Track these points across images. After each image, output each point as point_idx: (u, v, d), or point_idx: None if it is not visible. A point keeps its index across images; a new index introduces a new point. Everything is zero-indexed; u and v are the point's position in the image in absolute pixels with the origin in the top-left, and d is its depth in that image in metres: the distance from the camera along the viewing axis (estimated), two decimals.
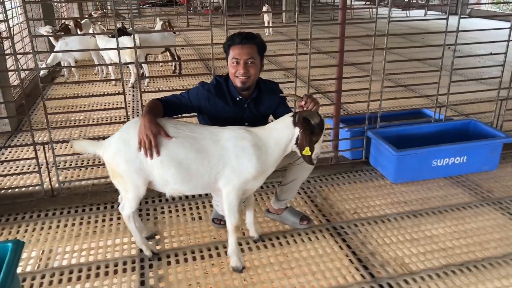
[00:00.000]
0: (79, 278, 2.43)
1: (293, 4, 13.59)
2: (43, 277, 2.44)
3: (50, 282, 2.40)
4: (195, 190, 2.42)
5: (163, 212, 3.10)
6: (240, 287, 2.36)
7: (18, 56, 6.09)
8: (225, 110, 2.52)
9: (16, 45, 6.03)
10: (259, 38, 2.47)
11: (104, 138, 3.65)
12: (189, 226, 2.93)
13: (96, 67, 7.37)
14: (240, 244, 2.70)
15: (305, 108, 2.38)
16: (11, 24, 6.39)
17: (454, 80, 3.92)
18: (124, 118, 3.34)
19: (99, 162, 3.69)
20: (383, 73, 3.61)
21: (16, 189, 3.38)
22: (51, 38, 6.94)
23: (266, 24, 11.89)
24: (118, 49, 3.10)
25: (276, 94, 2.64)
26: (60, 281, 2.41)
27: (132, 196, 2.37)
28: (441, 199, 3.26)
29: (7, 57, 4.84)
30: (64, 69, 7.03)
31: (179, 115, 2.62)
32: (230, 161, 2.28)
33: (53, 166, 3.29)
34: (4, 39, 3.27)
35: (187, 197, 3.27)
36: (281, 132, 2.34)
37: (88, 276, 2.45)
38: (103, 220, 3.01)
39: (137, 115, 4.96)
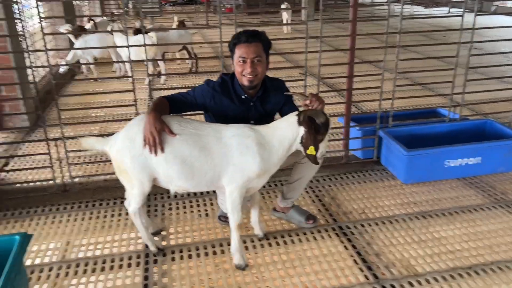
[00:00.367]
0: (85, 271, 2.48)
1: (312, 2, 13.49)
2: (50, 269, 2.50)
3: (57, 275, 2.46)
4: (199, 187, 2.44)
5: (170, 208, 3.13)
6: (242, 284, 2.36)
7: (39, 54, 6.27)
8: (231, 108, 2.53)
9: (37, 43, 6.22)
10: (264, 36, 2.46)
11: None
12: (195, 222, 2.96)
13: (115, 65, 7.49)
14: (244, 242, 2.70)
15: (310, 107, 2.36)
16: (32, 22, 6.53)
17: (470, 79, 3.83)
18: (134, 115, 3.38)
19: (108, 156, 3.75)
20: (395, 71, 3.55)
21: (31, 183, 3.47)
22: (71, 36, 7.08)
23: (284, 21, 11.86)
24: (128, 46, 3.14)
25: (282, 92, 2.63)
26: (66, 274, 2.46)
27: (138, 192, 2.40)
28: (452, 201, 3.19)
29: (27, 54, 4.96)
30: (83, 66, 7.15)
31: (185, 113, 2.64)
32: (233, 159, 2.28)
33: (64, 161, 3.36)
34: (24, 38, 3.34)
35: (195, 194, 3.29)
36: (285, 131, 2.32)
37: (93, 270, 2.49)
38: (112, 215, 3.06)
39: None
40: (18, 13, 3.09)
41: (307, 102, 2.37)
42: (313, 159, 2.31)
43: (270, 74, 2.69)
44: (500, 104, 4.74)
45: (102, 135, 3.45)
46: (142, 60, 3.97)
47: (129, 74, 5.74)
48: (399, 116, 3.94)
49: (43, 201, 3.23)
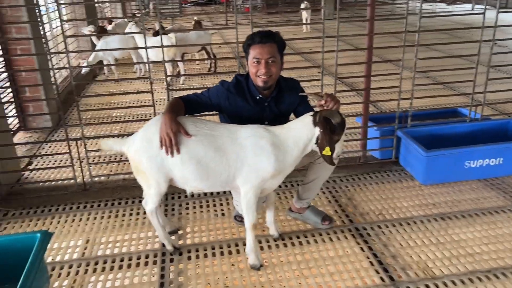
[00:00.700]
0: (103, 269, 2.53)
1: (332, 1, 13.38)
2: (70, 267, 2.57)
3: (77, 272, 2.51)
4: (214, 187, 2.46)
5: (187, 208, 3.16)
6: (257, 284, 2.37)
7: (62, 56, 6.41)
8: (245, 109, 2.54)
9: (60, 45, 6.36)
10: (278, 36, 2.46)
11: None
12: (211, 222, 2.98)
13: (135, 66, 7.60)
14: (260, 242, 2.71)
15: (325, 107, 2.36)
16: (56, 25, 6.66)
17: (492, 78, 3.75)
18: (151, 116, 3.43)
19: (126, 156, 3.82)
20: (414, 70, 3.50)
21: (52, 182, 3.56)
22: (93, 38, 7.22)
23: (304, 21, 11.81)
24: (146, 48, 3.18)
25: (297, 92, 2.62)
26: (86, 271, 2.52)
27: (154, 192, 2.43)
28: (472, 202, 3.13)
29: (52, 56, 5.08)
30: (105, 67, 7.28)
31: (201, 114, 2.66)
32: (248, 160, 2.29)
33: (85, 161, 3.43)
34: (46, 40, 3.43)
35: (211, 193, 3.32)
36: (301, 132, 2.32)
37: (112, 268, 2.54)
38: (130, 214, 3.11)
39: None
40: (39, 16, 3.16)
41: (322, 102, 2.36)
42: (329, 159, 2.30)
43: (289, 73, 2.69)
44: None
45: (122, 135, 3.53)
46: (161, 61, 4.02)
47: (150, 74, 5.85)
48: (418, 116, 3.88)
49: (64, 199, 3.31)
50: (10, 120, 4.38)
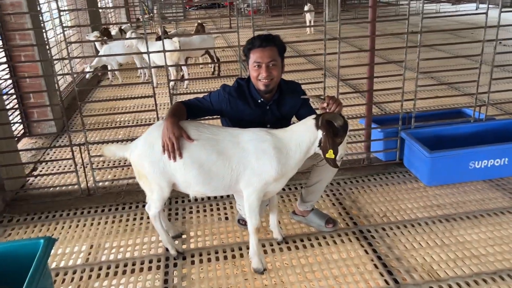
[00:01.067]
0: (107, 274, 2.54)
1: (335, 3, 13.37)
2: (74, 272, 2.57)
3: (81, 278, 2.52)
4: (217, 191, 2.45)
5: (191, 212, 3.16)
6: None
7: (66, 62, 6.44)
8: (247, 112, 2.54)
9: (64, 51, 6.39)
10: (278, 40, 2.46)
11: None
12: (215, 226, 2.98)
13: (139, 70, 7.63)
14: (263, 246, 2.71)
15: (327, 110, 2.35)
16: (59, 31, 6.69)
17: (497, 78, 3.72)
18: (155, 120, 3.44)
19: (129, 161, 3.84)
20: (417, 71, 3.49)
21: (57, 188, 3.57)
22: (97, 44, 7.25)
23: (307, 23, 11.81)
24: (148, 53, 3.19)
25: (298, 95, 2.62)
26: (89, 277, 2.53)
27: (157, 197, 2.44)
28: (477, 203, 3.10)
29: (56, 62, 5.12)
30: (109, 72, 7.32)
31: (202, 118, 2.66)
32: (251, 163, 2.29)
33: (88, 166, 3.44)
34: (48, 47, 3.44)
35: (215, 197, 3.32)
36: (303, 135, 2.31)
37: (115, 273, 2.54)
38: (134, 219, 3.12)
39: None
40: (42, 23, 3.18)
41: (325, 105, 2.35)
42: (333, 162, 2.29)
43: (292, 76, 2.69)
44: None
45: (126, 140, 3.54)
46: (163, 66, 4.04)
47: (152, 79, 5.89)
48: (422, 117, 3.86)
49: (68, 205, 3.32)
50: (14, 127, 4.42)
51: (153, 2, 19.60)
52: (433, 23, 11.43)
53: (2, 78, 4.45)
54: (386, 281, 2.38)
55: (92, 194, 3.42)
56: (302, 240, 2.77)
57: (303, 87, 2.71)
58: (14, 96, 4.66)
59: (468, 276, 2.38)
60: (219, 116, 2.69)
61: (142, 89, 6.80)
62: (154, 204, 2.49)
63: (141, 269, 2.57)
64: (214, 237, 2.85)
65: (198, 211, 3.17)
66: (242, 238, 2.82)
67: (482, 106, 3.75)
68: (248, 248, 2.63)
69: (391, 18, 11.74)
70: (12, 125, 3.87)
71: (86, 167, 3.50)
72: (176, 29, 8.46)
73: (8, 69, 4.59)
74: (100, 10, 9.36)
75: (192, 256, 2.66)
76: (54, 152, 4.42)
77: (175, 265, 2.59)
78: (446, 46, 8.11)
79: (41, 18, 3.17)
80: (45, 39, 3.19)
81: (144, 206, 3.23)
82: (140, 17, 14.84)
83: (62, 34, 6.98)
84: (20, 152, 3.88)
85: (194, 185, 2.35)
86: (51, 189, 3.58)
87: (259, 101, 2.54)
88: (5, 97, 4.36)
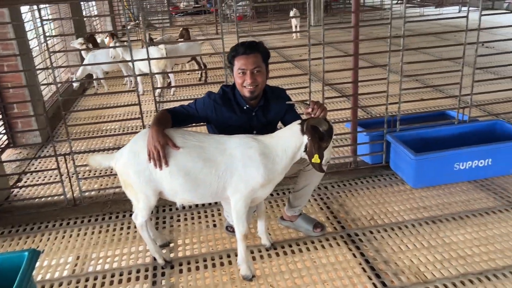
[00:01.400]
0: (94, 286, 2.51)
1: (319, 7, 13.47)
2: (60, 284, 2.54)
3: None
4: (204, 199, 2.45)
5: (178, 220, 3.15)
6: None
7: (50, 71, 6.37)
8: (233, 119, 2.54)
9: (47, 61, 6.33)
10: (262, 46, 2.47)
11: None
12: (203, 234, 2.96)
13: (125, 78, 7.59)
14: (252, 252, 2.70)
15: (312, 115, 2.36)
16: (42, 40, 6.62)
17: (479, 80, 3.78)
18: (141, 128, 3.42)
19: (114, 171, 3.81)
20: (401, 74, 3.52)
21: (42, 199, 3.53)
22: (83, 51, 7.20)
23: (293, 28, 11.88)
24: (132, 61, 3.18)
25: (283, 100, 2.63)
26: None
27: (143, 206, 2.42)
28: (463, 204, 3.14)
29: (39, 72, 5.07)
30: (94, 80, 7.27)
31: (188, 125, 2.66)
32: (238, 170, 2.29)
33: (74, 176, 3.41)
34: (31, 56, 3.42)
35: (202, 205, 3.31)
36: (289, 140, 2.32)
37: (102, 284, 2.52)
38: (121, 229, 3.09)
39: None
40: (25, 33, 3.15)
41: (309, 110, 2.36)
42: (319, 167, 2.30)
43: (278, 81, 2.70)
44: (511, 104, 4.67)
45: (113, 149, 3.52)
46: (147, 73, 4.03)
47: (137, 87, 5.86)
48: (407, 120, 3.90)
49: (54, 216, 3.28)
50: None
51: (139, 9, 19.58)
52: (417, 26, 11.58)
53: None
54: (374, 284, 2.39)
55: (78, 204, 3.38)
56: (290, 246, 2.77)
57: (289, 92, 2.72)
58: None
59: (455, 277, 2.40)
60: (204, 123, 2.69)
61: (128, 97, 6.76)
62: (140, 213, 2.47)
63: (129, 279, 2.54)
64: (202, 244, 2.84)
65: (185, 219, 3.16)
66: (230, 245, 2.81)
67: (465, 108, 3.80)
68: (236, 255, 2.62)
69: (375, 22, 11.88)
70: None
71: (72, 177, 3.46)
72: (162, 36, 8.44)
73: None
74: (85, 18, 9.30)
75: (180, 264, 2.65)
76: (39, 163, 4.37)
77: (163, 274, 2.57)
78: (430, 49, 8.22)
79: (24, 27, 3.14)
80: (28, 49, 3.15)
81: (131, 215, 3.20)
82: (125, 24, 14.83)
83: (45, 44, 6.94)
84: (4, 163, 3.83)
85: (181, 193, 2.34)
86: (36, 200, 3.53)
87: (245, 107, 2.55)
88: None
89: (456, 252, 2.62)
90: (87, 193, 3.52)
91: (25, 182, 3.93)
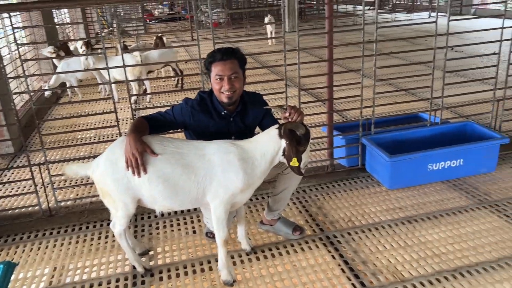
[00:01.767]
0: None
1: (294, 13, 13.63)
2: None
3: None
4: (184, 205, 2.44)
5: (157, 228, 3.12)
6: None
7: (22, 79, 6.24)
8: (211, 125, 2.55)
9: (19, 69, 6.20)
10: (239, 52, 2.50)
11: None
12: (182, 240, 2.95)
13: (100, 86, 7.49)
14: (232, 257, 2.71)
15: (289, 119, 2.40)
16: (13, 48, 6.50)
17: (449, 83, 3.90)
18: (117, 136, 3.40)
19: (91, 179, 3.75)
20: (374, 78, 3.61)
21: (16, 210, 3.44)
22: (55, 60, 7.08)
23: (269, 34, 11.99)
24: (107, 68, 3.15)
25: (261, 105, 2.66)
26: None
27: (122, 214, 2.40)
28: (436, 204, 3.23)
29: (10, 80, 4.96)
30: (68, 89, 7.15)
31: (165, 132, 2.65)
32: (217, 176, 2.30)
33: (49, 186, 3.34)
34: (2, 65, 3.34)
35: (181, 211, 3.30)
36: (267, 145, 2.35)
37: None
38: (99, 238, 3.04)
39: None
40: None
41: (287, 114, 2.40)
42: (297, 170, 2.33)
43: (255, 86, 2.73)
44: (480, 105, 4.83)
45: (88, 158, 3.47)
46: (123, 81, 3.99)
47: (112, 94, 5.80)
48: (381, 123, 3.98)
49: (29, 227, 3.21)
50: None
51: (112, 16, 19.37)
52: (389, 31, 11.84)
53: None
54: (353, 285, 2.43)
55: (54, 215, 3.31)
56: (270, 249, 2.79)
57: (265, 97, 2.76)
58: None
59: (430, 275, 2.47)
60: (182, 130, 2.69)
61: (103, 105, 6.67)
62: (119, 222, 2.44)
63: None
64: (182, 251, 2.83)
65: (164, 226, 3.14)
66: (210, 251, 2.81)
67: (437, 110, 3.91)
68: (217, 261, 2.63)
69: (349, 28, 12.09)
70: None
71: (47, 187, 3.40)
72: (137, 43, 8.37)
73: None
74: (57, 26, 9.14)
75: (160, 272, 2.63)
76: (12, 173, 4.26)
77: (143, 282, 2.55)
78: (401, 53, 8.41)
79: None
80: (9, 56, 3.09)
81: (108, 224, 3.16)
82: (99, 31, 14.64)
83: (17, 51, 6.79)
84: None
85: (160, 200, 2.33)
86: (10, 211, 3.45)
87: (223, 113, 2.56)
88: None
89: (431, 250, 2.69)
90: (62, 203, 3.46)
91: None
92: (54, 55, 6.61)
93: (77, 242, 3.02)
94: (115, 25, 15.44)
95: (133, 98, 6.68)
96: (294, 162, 2.30)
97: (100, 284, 2.55)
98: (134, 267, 2.63)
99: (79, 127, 5.61)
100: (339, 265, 2.60)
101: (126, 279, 2.59)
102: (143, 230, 3.11)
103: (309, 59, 8.17)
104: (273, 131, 2.36)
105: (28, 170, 4.16)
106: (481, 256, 2.60)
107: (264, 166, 2.36)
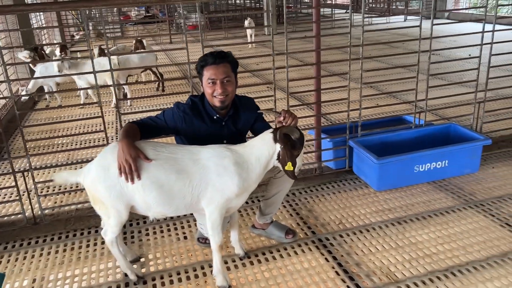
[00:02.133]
0: None
1: (274, 16, 13.71)
2: None
3: None
4: (178, 211, 2.40)
5: (147, 234, 3.07)
6: None
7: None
8: (203, 129, 2.53)
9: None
10: (231, 56, 2.49)
11: (87, 161, 3.63)
12: (174, 246, 2.91)
13: (78, 91, 7.33)
14: (226, 262, 2.69)
15: (284, 124, 2.40)
16: None
17: (432, 86, 3.98)
18: (104, 140, 3.33)
19: (82, 186, 3.65)
20: (361, 82, 3.65)
21: None
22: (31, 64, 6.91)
23: (248, 37, 12.02)
24: (88, 73, 3.09)
25: (252, 109, 2.66)
26: None
27: (115, 222, 2.34)
28: (424, 205, 3.28)
29: None
30: (46, 93, 6.98)
31: (156, 137, 2.61)
32: (212, 181, 2.28)
33: (34, 193, 3.25)
34: None
35: (171, 217, 3.25)
36: (262, 149, 2.34)
37: None
38: (87, 246, 2.97)
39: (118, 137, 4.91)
40: None
41: (281, 118, 2.40)
42: (292, 174, 2.33)
43: (238, 90, 2.72)
44: (461, 107, 4.95)
45: (71, 164, 3.38)
46: (94, 87, 3.93)
47: (94, 99, 5.69)
48: (367, 125, 4.03)
49: (13, 236, 3.10)
50: None
51: (87, 19, 19.03)
52: (367, 35, 12.02)
53: None
54: (348, 287, 2.44)
55: (39, 223, 3.22)
56: (264, 253, 2.78)
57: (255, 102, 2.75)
58: None
59: (423, 275, 2.50)
60: (170, 135, 2.65)
61: (82, 110, 6.53)
62: (111, 229, 2.39)
63: None
64: (174, 258, 2.79)
65: (155, 233, 3.09)
66: (203, 256, 2.78)
67: (421, 113, 3.99)
68: (210, 267, 2.61)
69: (330, 32, 12.23)
70: None
71: (30, 193, 3.30)
72: (116, 46, 8.23)
73: None
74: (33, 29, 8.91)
75: (153, 279, 2.58)
76: None
77: None
78: (383, 57, 8.54)
79: None
80: None
81: (96, 231, 3.12)
82: (75, 34, 14.35)
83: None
84: None
85: (154, 206, 2.29)
86: None
87: (215, 117, 2.54)
88: None
89: (422, 251, 2.73)
90: (47, 211, 3.37)
91: None
92: (29, 59, 6.44)
93: (64, 250, 2.94)
94: (91, 28, 15.20)
95: (114, 102, 6.57)
96: (289, 166, 2.30)
97: None
98: (126, 275, 2.58)
99: (59, 132, 5.47)
100: (333, 268, 2.61)
101: (118, 287, 2.53)
102: (132, 237, 3.05)
103: (290, 62, 8.22)
104: (267, 135, 2.36)
105: (8, 178, 4.07)
106: (470, 255, 2.66)
107: (259, 171, 2.35)
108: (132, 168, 2.20)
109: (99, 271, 2.69)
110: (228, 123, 2.59)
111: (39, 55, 6.92)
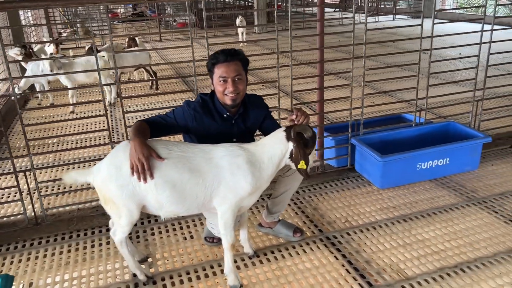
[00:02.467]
0: None
1: (265, 15, 13.71)
2: None
3: None
4: (190, 210, 2.38)
5: (153, 234, 3.04)
6: None
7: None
8: (213, 127, 2.51)
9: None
10: (242, 54, 2.48)
11: (89, 160, 3.58)
12: (181, 246, 2.89)
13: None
14: (235, 261, 2.67)
15: (296, 122, 2.39)
16: None
17: (432, 84, 4.02)
18: (105, 139, 3.28)
19: (83, 185, 3.61)
20: (363, 80, 3.67)
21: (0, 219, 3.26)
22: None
23: (240, 35, 11.99)
24: (80, 72, 3.05)
25: (261, 107, 2.65)
26: None
27: (125, 221, 2.31)
28: (428, 202, 3.31)
29: None
30: (38, 91, 6.85)
31: (166, 136, 2.59)
32: (225, 179, 2.26)
33: (35, 193, 3.19)
34: None
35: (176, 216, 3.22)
36: (275, 148, 2.33)
37: None
38: (92, 246, 2.93)
39: (117, 136, 4.86)
40: None
41: (293, 117, 2.39)
42: (305, 173, 2.33)
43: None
44: (459, 106, 5.01)
45: (76, 163, 3.31)
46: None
47: (72, 99, 5.61)
48: (368, 124, 4.05)
49: (14, 237, 3.04)
50: None
51: (75, 16, 18.74)
52: (358, 34, 12.07)
53: None
54: (360, 285, 2.45)
55: (41, 223, 3.16)
56: (272, 252, 2.77)
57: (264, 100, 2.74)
58: None
59: (433, 272, 2.52)
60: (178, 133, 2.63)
61: (78, 108, 6.42)
62: (121, 229, 2.35)
63: None
64: (182, 257, 2.76)
65: (160, 232, 3.06)
66: (212, 256, 2.76)
67: (421, 111, 4.02)
68: (220, 266, 2.60)
69: (336, 31, 12.24)
70: None
71: (33, 194, 3.23)
72: (105, 43, 8.12)
73: None
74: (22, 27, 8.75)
75: (163, 279, 2.56)
76: None
77: None
78: (379, 56, 8.59)
79: None
80: None
81: (100, 231, 3.09)
82: (62, 31, 14.10)
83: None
84: None
85: (167, 206, 2.26)
86: None
87: (225, 115, 2.53)
88: None
89: (430, 248, 2.75)
90: (49, 211, 3.30)
91: None
92: (20, 57, 6.30)
93: (69, 251, 2.89)
94: (78, 25, 14.98)
95: (107, 100, 6.48)
96: (302, 164, 2.30)
97: None
98: (134, 275, 2.55)
99: (51, 130, 5.38)
100: (343, 265, 2.62)
101: (127, 287, 2.50)
102: (138, 237, 3.02)
103: (283, 61, 8.22)
104: (280, 133, 2.35)
105: (10, 177, 3.99)
106: (478, 252, 2.69)
107: (271, 169, 2.34)
108: (145, 167, 2.17)
109: (106, 272, 2.65)
110: (238, 121, 2.58)
111: (26, 54, 6.77)
